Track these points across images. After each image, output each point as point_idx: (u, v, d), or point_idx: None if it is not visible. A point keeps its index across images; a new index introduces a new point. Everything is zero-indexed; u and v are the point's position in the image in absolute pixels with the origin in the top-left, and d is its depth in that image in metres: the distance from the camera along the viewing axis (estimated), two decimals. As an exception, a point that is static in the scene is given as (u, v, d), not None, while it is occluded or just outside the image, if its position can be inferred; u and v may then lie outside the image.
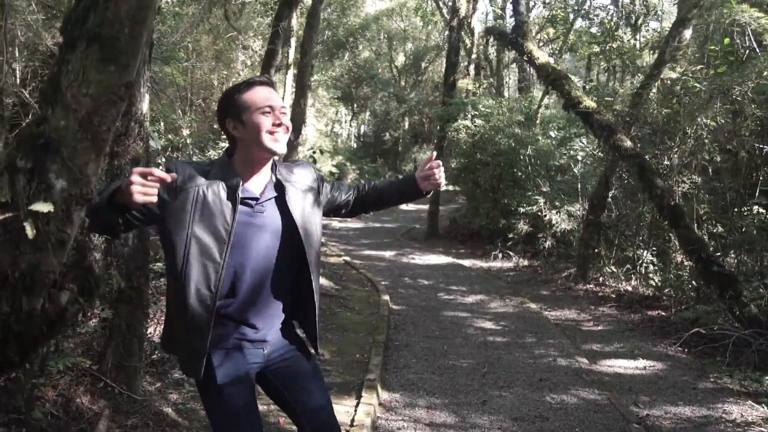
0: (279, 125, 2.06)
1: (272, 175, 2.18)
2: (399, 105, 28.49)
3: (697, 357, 5.90)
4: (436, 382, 5.04)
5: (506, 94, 21.58)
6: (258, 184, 2.14)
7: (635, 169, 6.97)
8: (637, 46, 11.50)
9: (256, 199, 2.12)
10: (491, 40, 19.15)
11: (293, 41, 15.95)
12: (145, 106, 3.66)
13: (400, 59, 30.32)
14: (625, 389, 5.07)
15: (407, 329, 6.57)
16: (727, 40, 7.55)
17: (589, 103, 7.29)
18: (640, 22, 13.23)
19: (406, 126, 29.59)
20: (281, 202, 2.14)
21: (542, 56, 7.71)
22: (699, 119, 7.17)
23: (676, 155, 7.37)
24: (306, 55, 7.76)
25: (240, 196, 2.05)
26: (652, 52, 9.73)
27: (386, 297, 7.75)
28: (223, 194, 2.03)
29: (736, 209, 7.64)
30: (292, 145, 9.16)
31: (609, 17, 12.94)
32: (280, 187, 2.16)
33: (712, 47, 7.59)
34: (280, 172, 2.19)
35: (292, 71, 16.65)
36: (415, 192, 2.40)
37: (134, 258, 3.71)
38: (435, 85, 29.59)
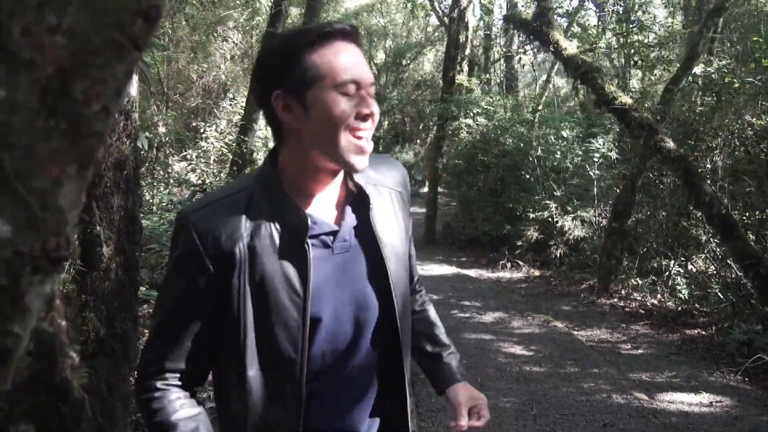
0: (367, 117, 1.18)
1: (348, 180, 1.31)
2: (379, 104, 27.43)
3: (765, 389, 5.17)
4: (481, 429, 4.18)
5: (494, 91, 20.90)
6: (328, 204, 1.28)
7: (680, 173, 6.22)
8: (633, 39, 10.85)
9: (335, 232, 1.24)
10: (483, 31, 18.42)
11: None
12: (133, 90, 2.74)
13: (380, 56, 29.46)
14: (702, 434, 4.30)
15: (429, 357, 5.71)
16: (771, 31, 6.87)
17: (625, 99, 6.52)
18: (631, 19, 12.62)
19: (387, 125, 28.71)
20: (365, 226, 1.28)
21: (570, 47, 6.92)
22: (746, 117, 6.45)
23: (719, 157, 6.64)
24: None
25: (309, 242, 1.19)
26: (672, 45, 9.06)
27: (398, 317, 6.87)
28: (283, 244, 1.20)
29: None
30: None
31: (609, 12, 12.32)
32: (362, 201, 1.29)
33: (756, 38, 6.90)
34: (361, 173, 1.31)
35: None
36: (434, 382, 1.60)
37: (118, 295, 2.78)
38: (416, 83, 28.80)
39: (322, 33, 1.16)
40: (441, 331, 1.60)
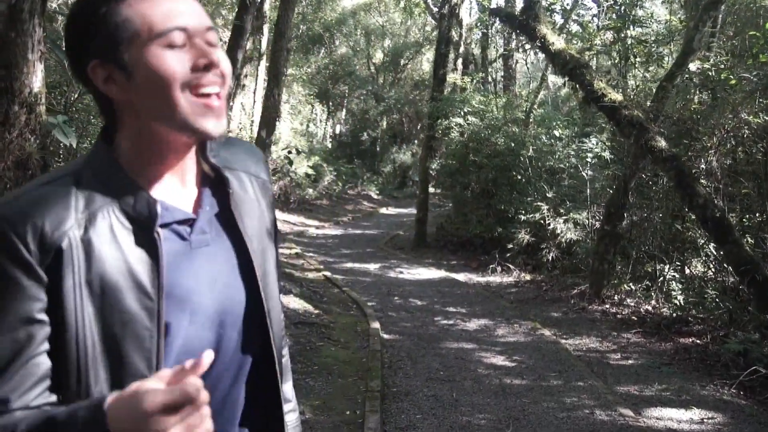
0: (208, 67, 0.95)
1: (202, 162, 1.08)
2: (377, 103, 27.30)
3: (761, 404, 4.84)
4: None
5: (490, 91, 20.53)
6: (182, 188, 1.04)
7: (672, 174, 5.89)
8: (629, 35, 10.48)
9: (191, 221, 1.02)
10: (480, 29, 18.12)
11: (266, 29, 14.66)
12: (36, 81, 2.43)
13: (378, 56, 29.15)
14: (690, 456, 3.98)
15: (405, 368, 5.40)
16: (769, 25, 6.54)
17: (615, 96, 6.20)
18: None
19: (385, 125, 28.42)
20: (226, 215, 1.07)
21: (558, 42, 6.59)
22: (742, 115, 6.13)
23: (714, 157, 6.31)
24: (281, 37, 6.47)
25: (159, 228, 0.96)
26: (670, 41, 8.73)
27: (376, 324, 6.56)
28: (127, 236, 0.94)
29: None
30: (264, 143, 7.90)
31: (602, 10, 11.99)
32: (221, 186, 1.07)
33: (753, 33, 6.58)
34: (214, 152, 1.09)
35: (264, 63, 15.33)
36: None
37: None
38: (414, 83, 28.52)
39: None
40: (289, 383, 1.32)
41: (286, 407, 1.25)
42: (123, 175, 0.97)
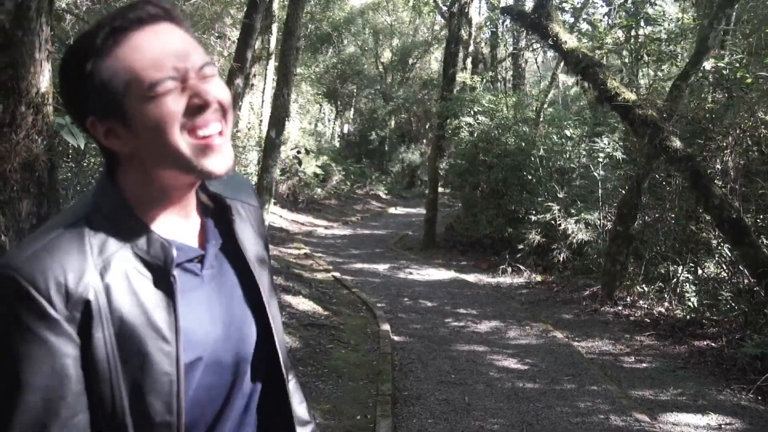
0: (204, 107, 0.90)
1: (199, 192, 1.07)
2: (385, 103, 27.22)
3: (780, 409, 4.75)
4: (463, 458, 3.81)
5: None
6: (187, 223, 1.04)
7: (687, 174, 5.79)
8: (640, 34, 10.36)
9: (201, 257, 1.01)
10: (489, 28, 18.03)
11: (275, 28, 14.63)
12: (44, 81, 2.38)
13: (387, 55, 29.07)
14: (708, 463, 3.90)
15: (416, 371, 5.33)
16: (786, 22, 6.43)
17: (629, 95, 6.10)
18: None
19: (393, 125, 28.33)
20: (230, 244, 1.07)
21: (571, 40, 6.50)
22: (759, 114, 6.02)
23: (730, 157, 6.20)
24: (291, 35, 6.39)
25: (175, 273, 0.94)
26: (682, 40, 8.61)
27: (386, 326, 6.50)
28: (142, 280, 0.93)
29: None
30: (273, 143, 7.85)
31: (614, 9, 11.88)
32: (222, 215, 1.08)
33: (770, 30, 6.47)
34: (213, 184, 1.09)
35: (273, 62, 15.30)
36: None
37: None
38: (423, 82, 28.42)
39: (111, 29, 0.89)
40: (303, 404, 1.30)
41: (304, 429, 1.23)
42: (134, 217, 0.95)
